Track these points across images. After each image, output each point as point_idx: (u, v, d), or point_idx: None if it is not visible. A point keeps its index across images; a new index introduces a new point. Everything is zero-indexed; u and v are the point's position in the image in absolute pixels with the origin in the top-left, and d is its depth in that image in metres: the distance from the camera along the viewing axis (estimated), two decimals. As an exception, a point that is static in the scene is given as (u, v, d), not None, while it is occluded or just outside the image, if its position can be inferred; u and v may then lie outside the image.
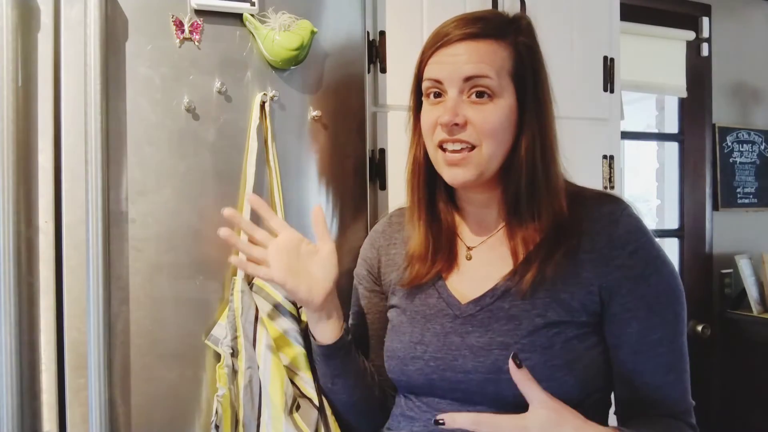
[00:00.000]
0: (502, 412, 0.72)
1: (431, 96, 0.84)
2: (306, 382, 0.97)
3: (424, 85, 0.85)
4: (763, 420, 2.28)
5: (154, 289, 0.97)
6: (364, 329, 1.00)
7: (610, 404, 0.88)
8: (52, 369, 0.92)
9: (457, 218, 0.92)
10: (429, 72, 0.83)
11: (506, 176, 0.84)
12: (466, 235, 0.91)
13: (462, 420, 0.70)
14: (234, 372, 0.96)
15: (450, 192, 0.92)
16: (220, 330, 0.99)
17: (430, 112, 0.84)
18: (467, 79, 0.80)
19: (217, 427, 0.94)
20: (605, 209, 0.83)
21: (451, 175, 0.82)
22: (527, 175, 0.82)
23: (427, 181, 0.90)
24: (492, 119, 0.80)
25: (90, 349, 0.90)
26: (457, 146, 0.81)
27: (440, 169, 0.84)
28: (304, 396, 0.96)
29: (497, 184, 0.86)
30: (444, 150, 0.82)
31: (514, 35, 0.83)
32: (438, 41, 0.83)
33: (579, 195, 0.86)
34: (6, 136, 0.86)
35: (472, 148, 0.81)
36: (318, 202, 1.09)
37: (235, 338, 0.97)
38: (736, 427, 2.39)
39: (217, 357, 0.99)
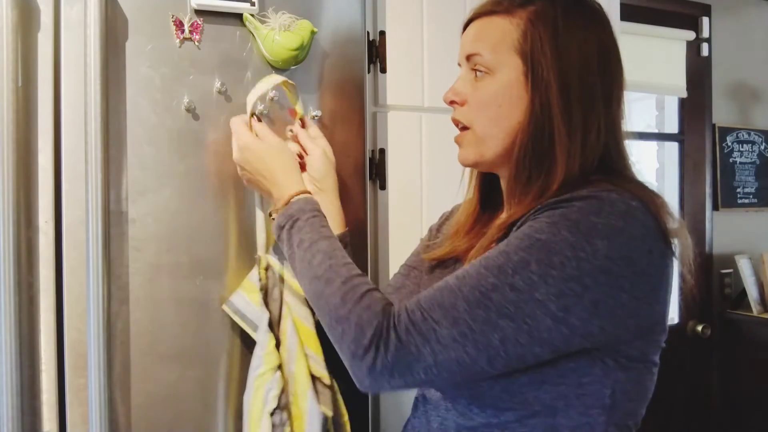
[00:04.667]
0: (490, 412, 0.70)
1: None
2: (317, 362, 0.97)
3: None
4: (762, 420, 2.28)
5: (154, 289, 0.97)
6: (401, 279, 1.00)
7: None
8: (52, 369, 0.92)
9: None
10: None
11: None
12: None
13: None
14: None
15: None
16: (245, 305, 0.99)
17: None
18: (468, 58, 0.80)
19: (274, 412, 0.92)
20: (571, 189, 0.69)
21: (458, 155, 0.83)
22: (518, 160, 0.75)
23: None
24: (481, 96, 0.78)
25: (90, 349, 0.90)
26: (460, 126, 0.81)
27: None
28: (314, 376, 0.97)
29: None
30: None
31: (524, 8, 0.76)
32: (463, 26, 0.84)
33: (587, 183, 0.72)
34: (6, 136, 0.86)
35: (467, 129, 0.80)
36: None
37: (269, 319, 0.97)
38: (735, 427, 2.39)
39: (217, 357, 0.99)
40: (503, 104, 0.76)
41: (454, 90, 0.80)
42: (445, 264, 0.89)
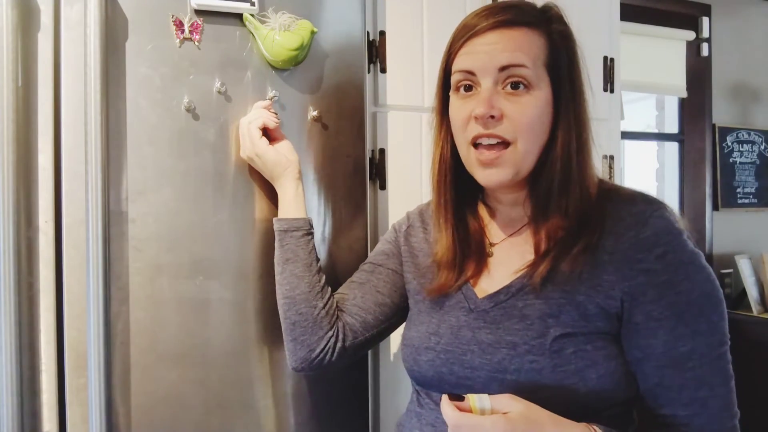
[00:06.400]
0: None
1: (461, 90, 0.80)
2: None
3: (454, 78, 0.81)
4: (763, 420, 2.28)
5: (154, 289, 0.97)
6: (366, 275, 1.00)
7: (633, 422, 0.81)
8: (52, 369, 0.92)
9: (486, 216, 0.90)
10: (460, 63, 0.79)
11: (538, 173, 0.80)
12: (491, 232, 0.89)
13: (445, 411, 0.70)
14: None
15: (475, 191, 0.90)
16: None
17: (462, 106, 0.80)
18: (503, 68, 0.76)
19: None
20: (635, 209, 0.77)
21: (486, 176, 0.79)
22: (562, 171, 0.78)
23: (454, 181, 0.87)
24: (529, 112, 0.76)
25: (90, 349, 0.90)
26: (493, 141, 0.77)
27: (473, 170, 0.81)
28: None
29: (527, 181, 0.82)
30: (478, 147, 0.79)
31: (548, 23, 0.79)
32: (468, 31, 0.78)
33: (611, 192, 0.81)
34: (6, 136, 0.86)
35: (506, 145, 0.77)
36: (317, 201, 1.09)
37: None
38: (736, 427, 2.39)
39: (217, 357, 0.99)
40: (543, 122, 0.78)
41: (491, 104, 0.76)
42: (447, 294, 0.87)
